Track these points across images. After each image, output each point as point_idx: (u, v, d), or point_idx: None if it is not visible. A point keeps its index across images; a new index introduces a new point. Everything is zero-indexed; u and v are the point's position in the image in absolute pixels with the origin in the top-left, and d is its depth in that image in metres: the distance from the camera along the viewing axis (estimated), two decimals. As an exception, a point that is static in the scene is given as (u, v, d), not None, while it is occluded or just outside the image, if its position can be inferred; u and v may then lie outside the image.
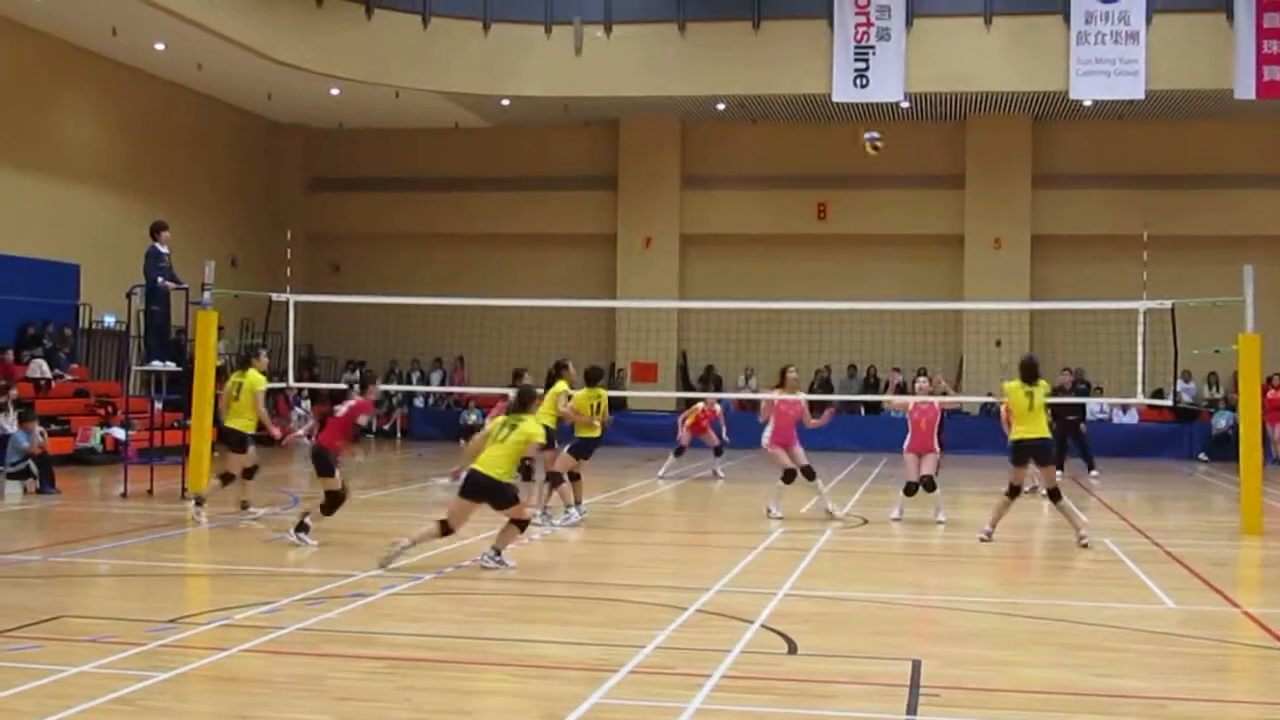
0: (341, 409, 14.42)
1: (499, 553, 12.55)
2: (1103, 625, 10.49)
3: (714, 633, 9.87)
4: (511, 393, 14.08)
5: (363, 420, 14.90)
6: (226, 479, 16.77)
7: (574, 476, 16.56)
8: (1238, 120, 31.86)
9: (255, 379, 16.89)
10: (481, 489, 12.38)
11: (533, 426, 12.70)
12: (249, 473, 16.74)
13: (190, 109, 32.51)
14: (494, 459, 12.42)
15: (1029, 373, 15.36)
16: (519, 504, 12.61)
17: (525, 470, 16.15)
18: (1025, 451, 15.11)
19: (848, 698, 8.23)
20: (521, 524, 12.65)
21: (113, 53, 28.73)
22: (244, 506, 16.73)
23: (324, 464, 14.13)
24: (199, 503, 16.53)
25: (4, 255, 25.90)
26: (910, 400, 17.97)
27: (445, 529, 12.50)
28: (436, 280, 32.36)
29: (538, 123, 35.20)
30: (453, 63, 31.46)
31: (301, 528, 13.90)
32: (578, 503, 16.56)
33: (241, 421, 16.75)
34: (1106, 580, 13.11)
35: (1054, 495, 15.16)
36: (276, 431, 17.56)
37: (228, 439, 16.85)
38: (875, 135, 19.96)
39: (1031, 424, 15.04)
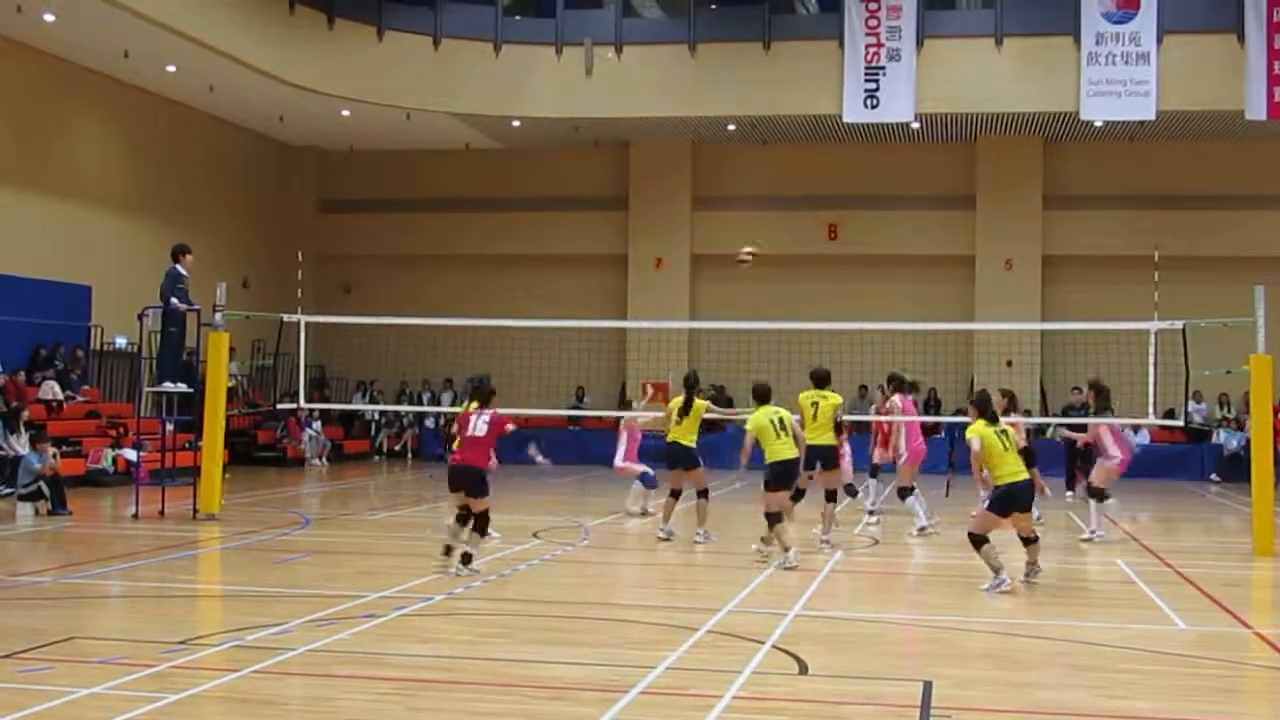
0: (481, 428, 13.76)
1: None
2: (1114, 646, 10.47)
3: (725, 654, 9.86)
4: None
5: (510, 429, 14.10)
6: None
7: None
8: (1249, 141, 31.82)
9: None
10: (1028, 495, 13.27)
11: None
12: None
13: (202, 131, 32.61)
14: (1018, 466, 13.11)
15: (822, 383, 16.66)
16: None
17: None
18: (811, 456, 15.96)
19: (859, 719, 8.22)
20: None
21: (124, 75, 28.82)
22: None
23: (481, 484, 13.57)
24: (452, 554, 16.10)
25: (16, 277, 25.98)
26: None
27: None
28: (447, 301, 32.35)
29: (549, 144, 35.27)
30: (464, 84, 31.54)
31: (466, 559, 13.44)
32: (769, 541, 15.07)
33: None
34: (1118, 601, 13.08)
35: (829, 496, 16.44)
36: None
37: None
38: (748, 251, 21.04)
39: (819, 432, 16.08)
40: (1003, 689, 8.98)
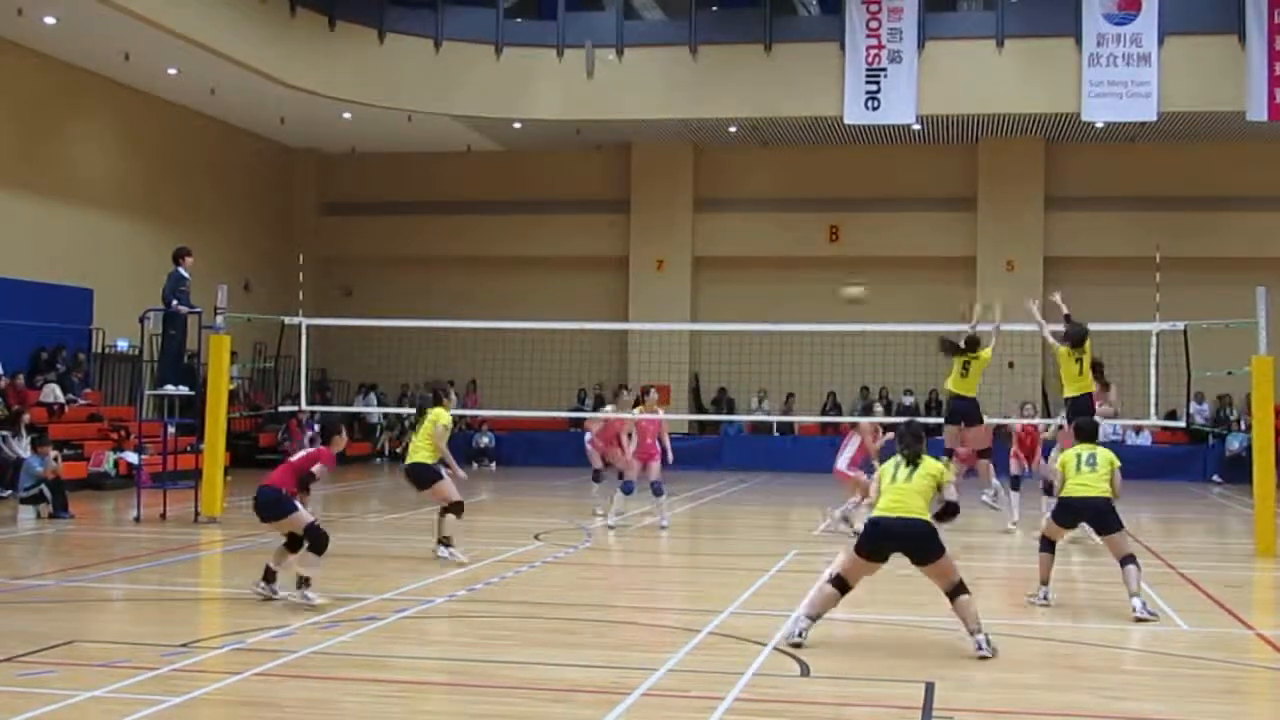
0: (298, 455, 12.81)
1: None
2: (1116, 648, 10.48)
3: (727, 655, 9.85)
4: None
5: (317, 470, 12.45)
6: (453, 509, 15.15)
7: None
8: (1250, 142, 31.83)
9: (439, 413, 15.37)
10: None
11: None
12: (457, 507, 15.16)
13: (203, 133, 32.62)
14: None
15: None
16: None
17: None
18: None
19: (860, 721, 8.22)
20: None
21: (125, 78, 28.84)
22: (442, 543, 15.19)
23: (272, 507, 12.10)
24: (447, 542, 14.84)
25: (18, 280, 25.99)
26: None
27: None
28: (448, 303, 32.39)
29: (550, 146, 35.30)
30: (465, 86, 31.55)
31: (304, 583, 11.96)
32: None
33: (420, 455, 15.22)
34: (1120, 602, 13.05)
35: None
36: (460, 472, 15.83)
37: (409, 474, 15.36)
38: None
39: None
40: (1004, 690, 8.97)
